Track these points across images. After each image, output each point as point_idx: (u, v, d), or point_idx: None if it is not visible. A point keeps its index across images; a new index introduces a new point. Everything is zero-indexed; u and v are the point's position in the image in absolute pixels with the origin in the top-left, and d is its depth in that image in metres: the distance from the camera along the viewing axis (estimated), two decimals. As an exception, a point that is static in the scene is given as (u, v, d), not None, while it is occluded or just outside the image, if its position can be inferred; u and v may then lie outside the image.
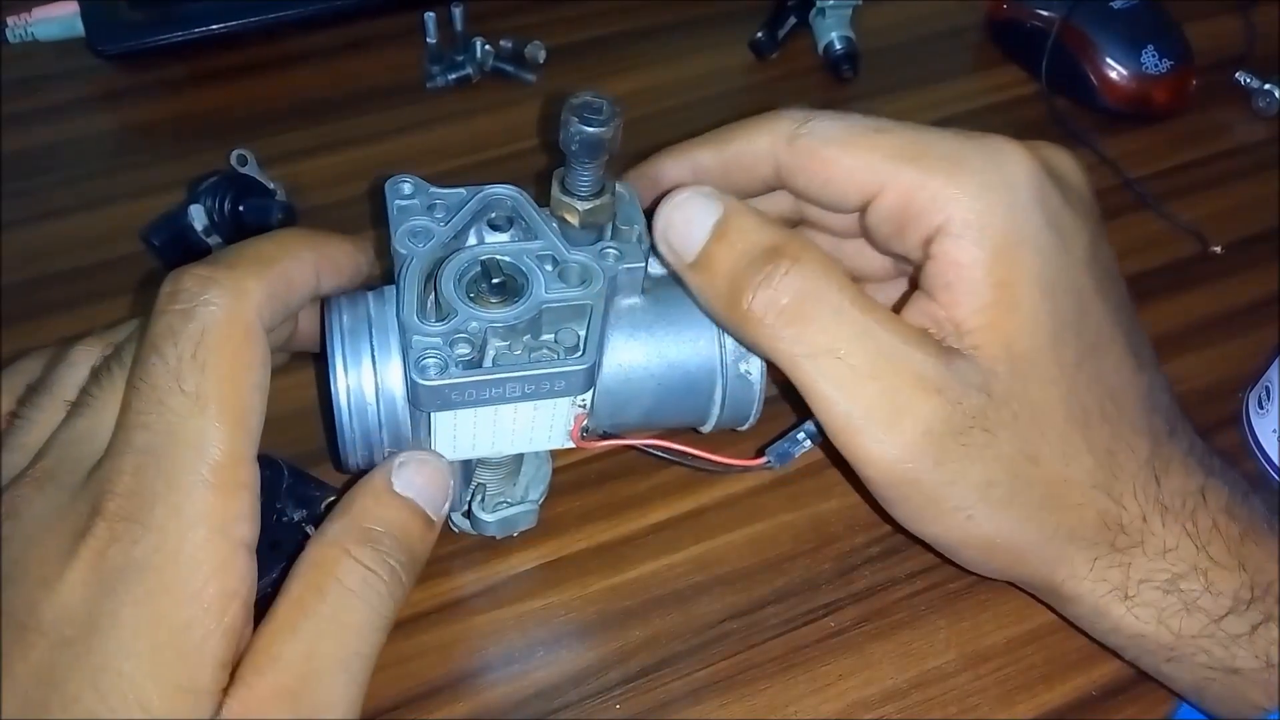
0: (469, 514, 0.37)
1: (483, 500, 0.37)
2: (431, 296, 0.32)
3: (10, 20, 0.60)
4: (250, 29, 0.60)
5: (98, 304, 0.48)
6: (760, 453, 0.36)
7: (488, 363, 0.31)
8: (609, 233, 0.34)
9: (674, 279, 0.34)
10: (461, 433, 0.32)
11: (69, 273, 0.50)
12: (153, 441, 0.26)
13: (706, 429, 0.37)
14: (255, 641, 0.27)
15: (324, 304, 0.33)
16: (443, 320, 0.31)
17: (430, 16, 0.59)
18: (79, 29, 0.59)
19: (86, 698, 0.24)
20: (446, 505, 0.32)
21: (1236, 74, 0.59)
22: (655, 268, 0.35)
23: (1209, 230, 0.51)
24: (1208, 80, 0.58)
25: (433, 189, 0.34)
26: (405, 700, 0.35)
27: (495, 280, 0.31)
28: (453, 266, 0.32)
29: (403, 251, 0.32)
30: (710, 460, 0.35)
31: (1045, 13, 0.58)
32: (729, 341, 0.35)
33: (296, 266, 0.30)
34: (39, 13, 0.60)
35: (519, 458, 0.37)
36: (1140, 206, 0.53)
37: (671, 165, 0.36)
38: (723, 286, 0.31)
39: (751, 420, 0.37)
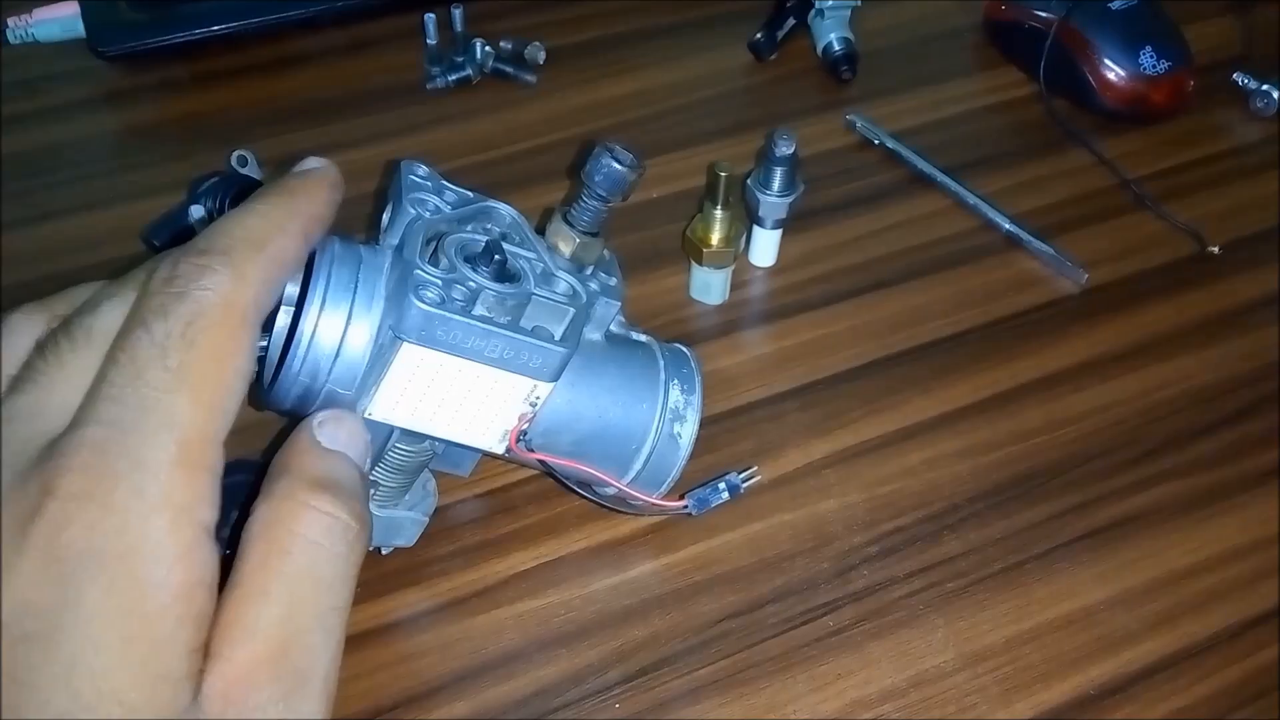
0: None
1: (375, 495, 0.36)
2: (429, 256, 0.33)
3: (11, 21, 0.60)
4: (251, 30, 0.60)
5: (99, 304, 0.48)
6: (682, 496, 0.38)
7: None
8: (589, 273, 0.36)
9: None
10: (413, 388, 0.32)
11: (70, 273, 0.50)
12: (121, 415, 0.24)
13: (625, 480, 0.37)
14: (224, 613, 0.25)
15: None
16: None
17: (430, 18, 0.59)
18: (80, 30, 0.59)
19: (59, 698, 0.23)
20: (367, 462, 0.31)
21: (1234, 75, 0.59)
22: (617, 328, 0.37)
23: (1207, 231, 0.52)
24: (1206, 81, 0.58)
25: (443, 180, 0.35)
26: (405, 700, 0.35)
27: (496, 258, 0.32)
28: (456, 239, 0.33)
29: (412, 211, 0.34)
30: (633, 496, 0.37)
31: (1044, 13, 0.58)
32: (670, 404, 0.37)
33: (289, 245, 0.29)
34: (40, 13, 0.60)
35: (416, 473, 0.37)
36: (1139, 207, 0.53)
37: None
38: None
39: (666, 485, 0.38)
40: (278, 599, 0.26)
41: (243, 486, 0.31)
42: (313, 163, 0.32)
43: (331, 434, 0.30)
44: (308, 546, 0.26)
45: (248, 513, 0.27)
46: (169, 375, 0.25)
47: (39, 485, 0.24)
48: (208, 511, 0.25)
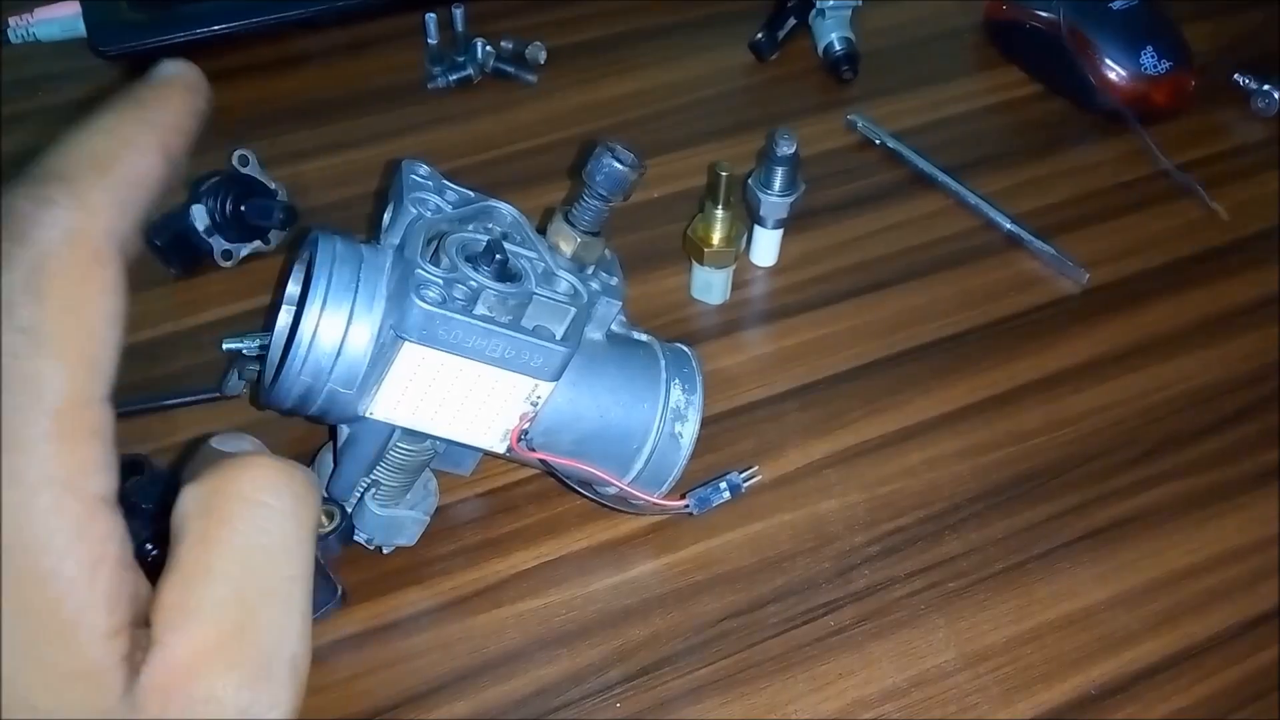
0: (356, 506, 0.37)
1: (376, 494, 0.37)
2: (431, 256, 0.33)
3: (12, 20, 0.60)
4: (252, 30, 0.60)
5: (99, 304, 0.48)
6: (683, 495, 0.38)
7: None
8: (590, 272, 0.36)
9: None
10: (414, 387, 0.32)
11: (70, 273, 0.50)
12: None
13: (626, 479, 0.37)
14: (162, 596, 0.22)
15: (310, 237, 0.33)
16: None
17: (431, 17, 0.59)
18: (80, 29, 0.59)
19: None
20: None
21: (1235, 75, 0.59)
22: (619, 327, 0.37)
23: (1207, 230, 0.52)
24: (1206, 81, 0.58)
25: (444, 180, 0.35)
26: (406, 699, 0.35)
27: (498, 257, 0.32)
28: (457, 238, 0.33)
29: (413, 210, 0.33)
30: (634, 495, 0.37)
31: (1044, 14, 0.58)
32: (671, 403, 0.37)
33: (143, 161, 0.24)
34: (40, 13, 0.60)
35: (417, 472, 0.37)
36: (1138, 207, 0.53)
37: None
38: None
39: (667, 485, 0.38)
40: (224, 573, 0.22)
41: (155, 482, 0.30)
42: (170, 67, 0.27)
43: (228, 440, 0.26)
44: (253, 509, 0.23)
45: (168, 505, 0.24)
46: (22, 337, 0.21)
47: None
48: (100, 480, 0.22)
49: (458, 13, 0.59)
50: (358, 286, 0.32)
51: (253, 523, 0.23)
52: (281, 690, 0.22)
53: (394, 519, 0.37)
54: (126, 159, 0.24)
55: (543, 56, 0.60)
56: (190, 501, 0.23)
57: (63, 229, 0.23)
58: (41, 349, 0.21)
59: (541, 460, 0.35)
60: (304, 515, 0.24)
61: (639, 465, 0.37)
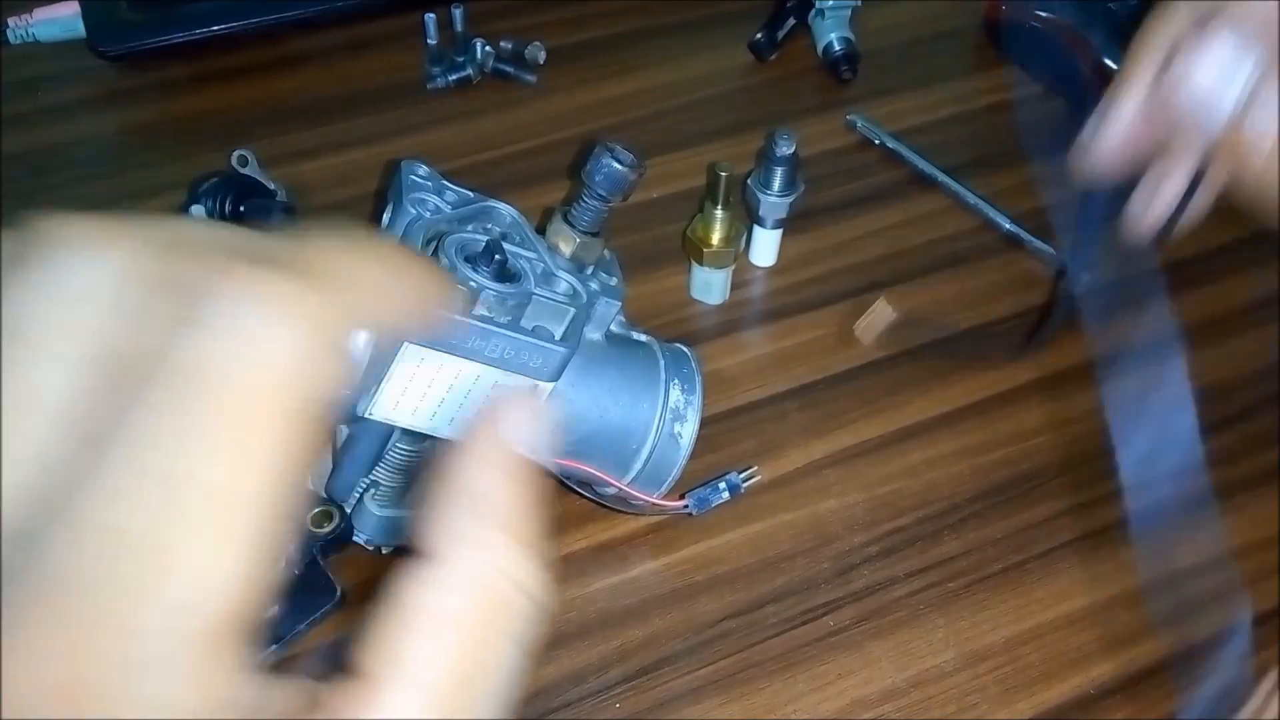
0: (356, 506, 0.37)
1: (375, 495, 0.37)
2: (430, 255, 0.33)
3: (11, 21, 0.60)
4: (251, 30, 0.60)
5: (99, 304, 0.48)
6: (682, 495, 0.38)
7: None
8: (589, 273, 0.36)
9: None
10: (414, 388, 0.32)
11: (70, 273, 0.50)
12: (111, 570, 0.14)
13: (626, 479, 0.38)
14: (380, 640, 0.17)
15: None
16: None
17: (431, 18, 0.59)
18: (80, 30, 0.59)
19: None
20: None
21: (1235, 75, 0.59)
22: (618, 327, 0.37)
23: (1207, 230, 0.51)
24: (1206, 81, 0.58)
25: (443, 180, 0.35)
26: (406, 699, 0.35)
27: (497, 258, 0.32)
28: (456, 239, 0.33)
29: (412, 210, 0.34)
30: (633, 495, 0.37)
31: (1044, 14, 0.58)
32: (670, 403, 0.37)
33: (381, 305, 0.17)
34: (40, 14, 0.60)
35: (419, 472, 0.37)
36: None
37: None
38: (1260, 166, 0.29)
39: (667, 485, 0.38)
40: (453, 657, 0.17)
41: None
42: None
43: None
44: (510, 608, 0.18)
45: None
46: (201, 499, 0.14)
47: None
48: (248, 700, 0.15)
49: (457, 13, 0.59)
50: None
51: (508, 622, 0.18)
52: None
53: (394, 519, 0.37)
54: (390, 290, 0.18)
55: (542, 56, 0.60)
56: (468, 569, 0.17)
57: (297, 351, 0.15)
58: (218, 530, 0.15)
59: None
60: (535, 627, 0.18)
61: (638, 465, 0.37)
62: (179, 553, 0.14)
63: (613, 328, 0.37)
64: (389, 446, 0.35)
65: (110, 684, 0.14)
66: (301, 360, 0.15)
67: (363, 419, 0.33)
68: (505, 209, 0.35)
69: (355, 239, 0.17)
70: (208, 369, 0.14)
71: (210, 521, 0.14)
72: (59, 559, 0.14)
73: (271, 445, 0.15)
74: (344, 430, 0.35)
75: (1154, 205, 0.34)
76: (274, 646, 0.36)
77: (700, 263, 0.47)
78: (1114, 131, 0.29)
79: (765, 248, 0.49)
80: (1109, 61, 0.56)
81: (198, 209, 0.47)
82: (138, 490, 0.14)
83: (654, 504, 0.38)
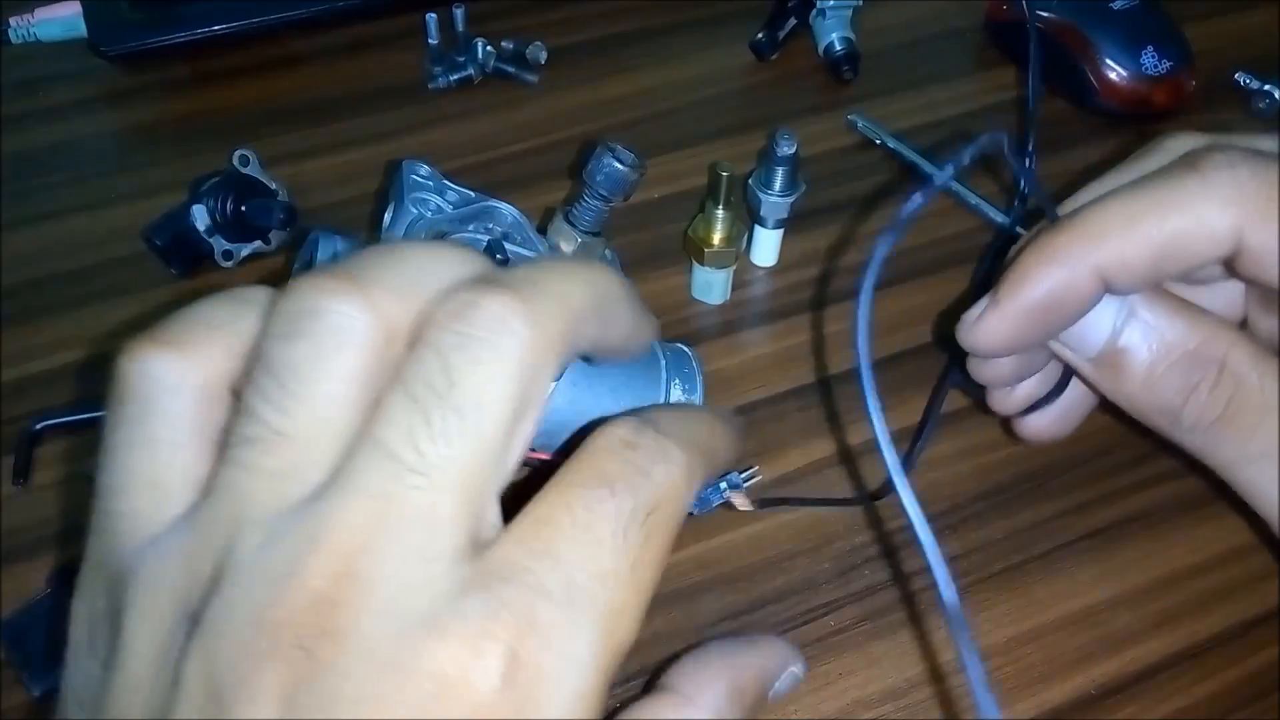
0: None
1: None
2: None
3: (13, 20, 0.60)
4: (252, 29, 0.60)
5: (99, 304, 0.48)
6: None
7: None
8: None
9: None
10: None
11: (70, 273, 0.50)
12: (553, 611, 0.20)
13: None
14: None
15: (311, 238, 0.33)
16: None
17: (432, 17, 0.59)
18: (81, 29, 0.59)
19: None
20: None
21: (1236, 75, 0.59)
22: None
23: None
24: (1207, 81, 0.58)
25: (445, 180, 0.35)
26: (406, 699, 0.35)
27: (499, 257, 0.32)
28: (458, 239, 0.33)
29: (414, 210, 0.34)
30: None
31: (1045, 14, 0.58)
32: (672, 400, 0.37)
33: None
34: (41, 13, 0.60)
35: None
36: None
37: (1072, 258, 0.28)
38: (1135, 390, 0.28)
39: None
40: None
41: None
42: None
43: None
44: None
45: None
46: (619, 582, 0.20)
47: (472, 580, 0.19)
48: None
49: (458, 13, 0.59)
50: None
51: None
52: None
53: None
54: (716, 464, 0.25)
55: (543, 56, 0.60)
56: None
57: (674, 486, 0.23)
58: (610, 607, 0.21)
59: (542, 461, 0.35)
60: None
61: None
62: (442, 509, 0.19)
63: None
64: None
65: None
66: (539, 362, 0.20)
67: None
68: (506, 209, 0.36)
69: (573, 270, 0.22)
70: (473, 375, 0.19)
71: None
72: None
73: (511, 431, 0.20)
74: None
75: (1008, 401, 0.34)
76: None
77: (701, 263, 0.47)
78: (991, 332, 0.29)
79: (766, 248, 0.49)
80: (1110, 61, 0.56)
81: (199, 209, 0.47)
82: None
83: None
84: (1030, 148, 0.33)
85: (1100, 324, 0.28)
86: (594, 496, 0.20)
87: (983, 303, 0.29)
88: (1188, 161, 0.27)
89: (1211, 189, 0.26)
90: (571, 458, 0.21)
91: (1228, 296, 0.31)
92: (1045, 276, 0.28)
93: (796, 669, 0.27)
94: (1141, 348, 0.28)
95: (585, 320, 0.21)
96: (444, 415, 0.19)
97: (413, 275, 0.21)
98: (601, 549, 0.20)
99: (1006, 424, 0.43)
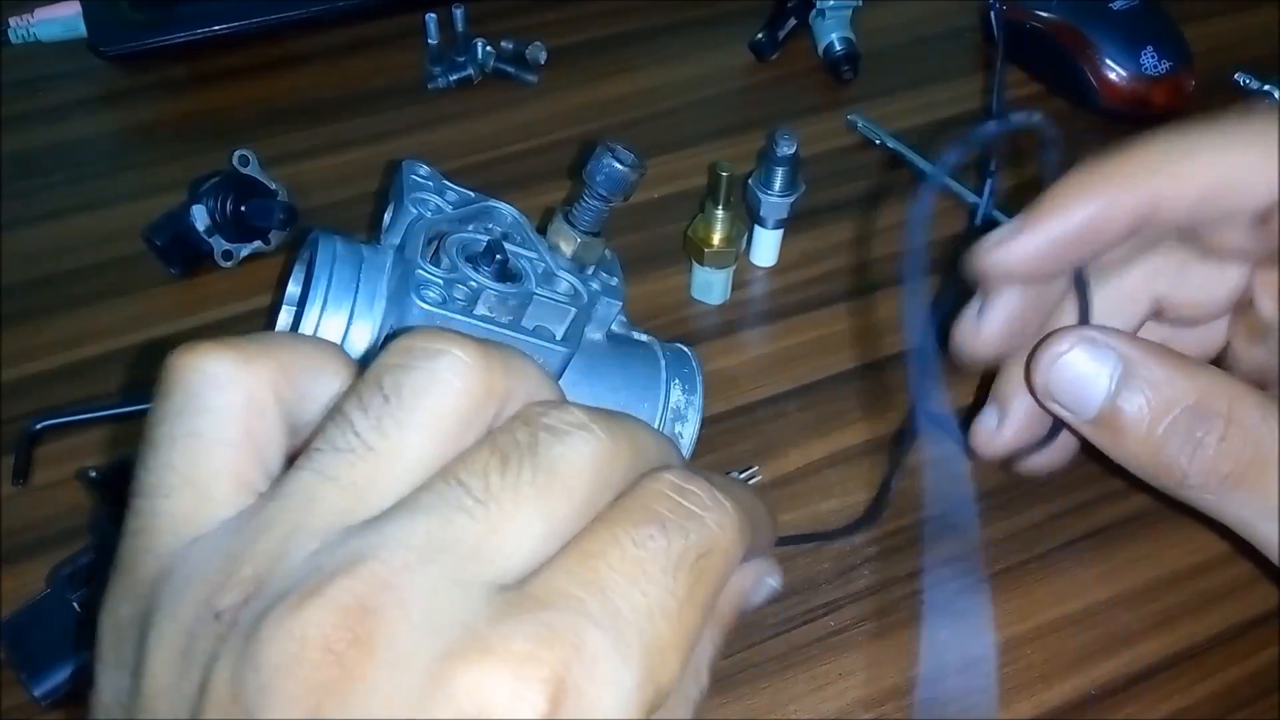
0: None
1: None
2: (431, 256, 0.33)
3: (12, 21, 0.60)
4: (252, 30, 0.60)
5: (99, 304, 0.48)
6: None
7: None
8: (590, 273, 0.36)
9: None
10: None
11: (70, 273, 0.50)
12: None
13: None
14: None
15: (310, 238, 0.33)
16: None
17: (431, 18, 0.59)
18: (81, 29, 0.59)
19: None
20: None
21: (1235, 75, 0.59)
22: (619, 327, 0.37)
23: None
24: (1207, 82, 0.58)
25: (444, 180, 0.35)
26: (406, 699, 0.35)
27: (498, 258, 0.32)
28: (458, 239, 0.33)
29: (413, 210, 0.34)
30: None
31: (1044, 14, 0.58)
32: (671, 404, 0.37)
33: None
34: (41, 13, 0.60)
35: None
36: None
37: (1115, 199, 0.28)
38: (1137, 449, 0.28)
39: None
40: None
41: None
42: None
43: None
44: None
45: None
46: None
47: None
48: None
49: (458, 13, 0.59)
50: (358, 287, 0.32)
51: None
52: None
53: None
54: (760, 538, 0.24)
55: (543, 56, 0.60)
56: None
57: (728, 540, 0.21)
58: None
59: None
60: None
61: None
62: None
63: (613, 328, 0.37)
64: None
65: None
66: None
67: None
68: (506, 209, 0.36)
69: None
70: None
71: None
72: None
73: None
74: None
75: (990, 446, 0.33)
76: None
77: (701, 263, 0.47)
78: (1016, 253, 0.29)
79: (766, 248, 0.49)
80: (1110, 61, 0.56)
81: (198, 209, 0.47)
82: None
83: None
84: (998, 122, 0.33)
85: (1097, 383, 0.27)
86: (644, 533, 0.20)
87: (1008, 226, 0.28)
88: (1241, 111, 0.27)
89: (1260, 140, 0.26)
90: (622, 497, 0.21)
91: (1207, 338, 0.31)
92: (1086, 202, 0.27)
93: (773, 580, 0.26)
94: (1140, 405, 0.27)
95: (649, 460, 0.22)
96: (520, 461, 0.19)
97: (530, 371, 0.22)
98: (650, 584, 0.19)
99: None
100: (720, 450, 0.42)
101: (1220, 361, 0.32)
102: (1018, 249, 0.28)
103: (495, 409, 0.21)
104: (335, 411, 0.20)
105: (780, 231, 0.49)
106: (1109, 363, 0.27)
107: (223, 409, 0.20)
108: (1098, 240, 0.27)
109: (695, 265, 0.47)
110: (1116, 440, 0.28)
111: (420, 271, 0.31)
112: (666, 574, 0.20)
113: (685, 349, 0.39)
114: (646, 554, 0.20)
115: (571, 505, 0.20)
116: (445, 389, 0.20)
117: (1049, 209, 0.28)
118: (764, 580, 0.26)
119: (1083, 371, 0.27)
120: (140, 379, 0.45)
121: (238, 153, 0.48)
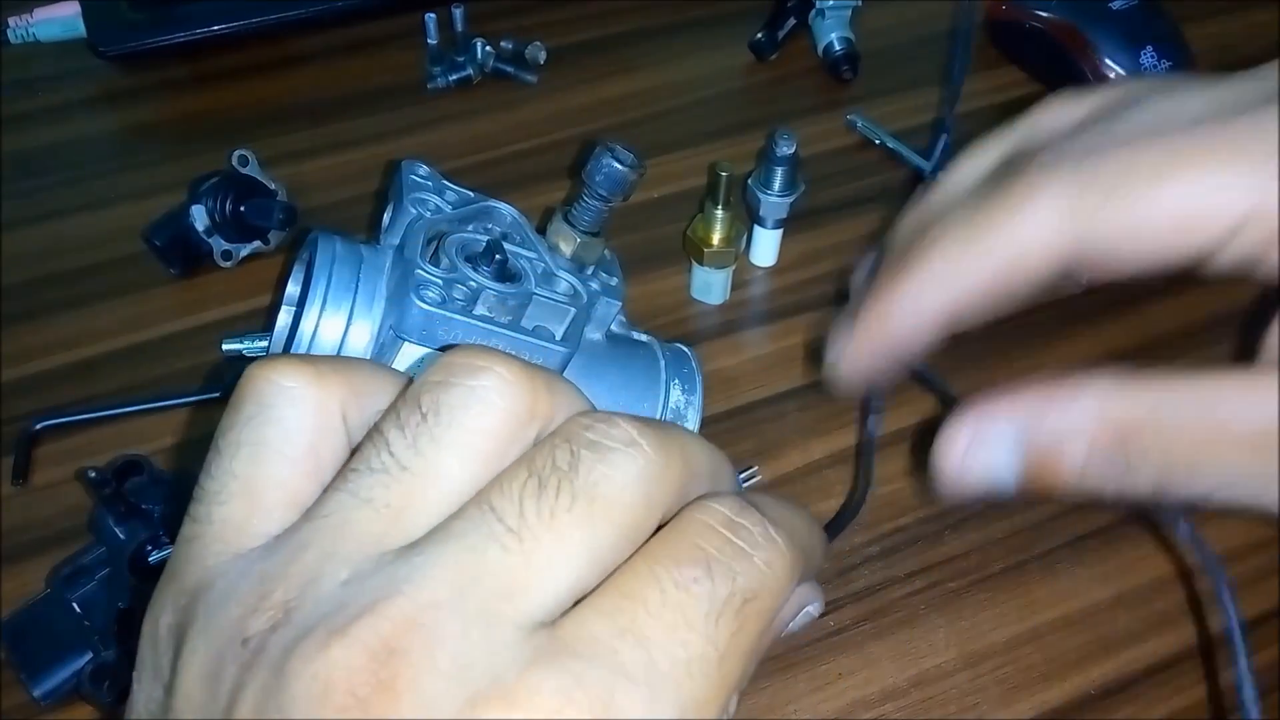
0: None
1: None
2: (430, 256, 0.33)
3: (12, 21, 0.60)
4: (251, 30, 0.60)
5: (99, 304, 0.48)
6: None
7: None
8: (590, 273, 0.36)
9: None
10: None
11: (70, 273, 0.50)
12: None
13: None
14: None
15: (310, 238, 0.33)
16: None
17: (431, 18, 0.59)
18: (80, 29, 0.59)
19: None
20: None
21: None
22: (618, 327, 0.37)
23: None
24: (1207, 81, 0.58)
25: (444, 180, 0.35)
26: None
27: (498, 258, 0.32)
28: (457, 239, 0.33)
29: (413, 210, 0.34)
30: None
31: (1044, 13, 0.58)
32: (671, 404, 0.37)
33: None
34: (40, 13, 0.60)
35: None
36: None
37: (912, 302, 0.26)
38: (1076, 495, 0.25)
39: None
40: None
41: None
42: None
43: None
44: None
45: None
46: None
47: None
48: None
49: (458, 13, 0.59)
50: (357, 287, 0.32)
51: None
52: None
53: None
54: (813, 563, 0.23)
55: (543, 56, 0.60)
56: None
57: (777, 578, 0.20)
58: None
59: None
60: None
61: None
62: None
63: (613, 328, 0.37)
64: None
65: None
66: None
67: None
68: (506, 209, 0.36)
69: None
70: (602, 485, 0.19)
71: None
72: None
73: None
74: None
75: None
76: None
77: (701, 263, 0.47)
78: (854, 370, 0.28)
79: (765, 248, 0.49)
80: (1110, 61, 0.56)
81: (198, 209, 0.47)
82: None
83: None
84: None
85: (1003, 470, 0.25)
86: (688, 575, 0.19)
87: (842, 340, 0.27)
88: (1013, 169, 0.24)
89: (1039, 196, 0.23)
90: (665, 528, 0.20)
91: None
92: (892, 326, 0.26)
93: (813, 608, 0.24)
94: (1061, 454, 0.24)
95: (700, 477, 0.21)
96: (559, 487, 0.19)
97: (573, 394, 0.21)
98: (691, 633, 0.18)
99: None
100: (720, 450, 0.42)
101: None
102: (848, 369, 0.27)
103: (537, 431, 0.20)
104: (374, 430, 0.20)
105: (780, 231, 0.49)
106: (1005, 442, 0.25)
107: (291, 422, 0.20)
108: (926, 341, 0.26)
109: (695, 265, 0.47)
110: (1052, 495, 0.25)
111: (420, 271, 0.31)
112: (709, 621, 0.18)
113: (685, 349, 0.39)
114: (689, 598, 0.19)
115: (614, 532, 0.19)
116: (485, 407, 0.19)
117: (859, 325, 0.27)
118: (805, 610, 0.25)
119: (985, 463, 0.25)
120: (140, 379, 0.45)
121: (237, 153, 0.48)
